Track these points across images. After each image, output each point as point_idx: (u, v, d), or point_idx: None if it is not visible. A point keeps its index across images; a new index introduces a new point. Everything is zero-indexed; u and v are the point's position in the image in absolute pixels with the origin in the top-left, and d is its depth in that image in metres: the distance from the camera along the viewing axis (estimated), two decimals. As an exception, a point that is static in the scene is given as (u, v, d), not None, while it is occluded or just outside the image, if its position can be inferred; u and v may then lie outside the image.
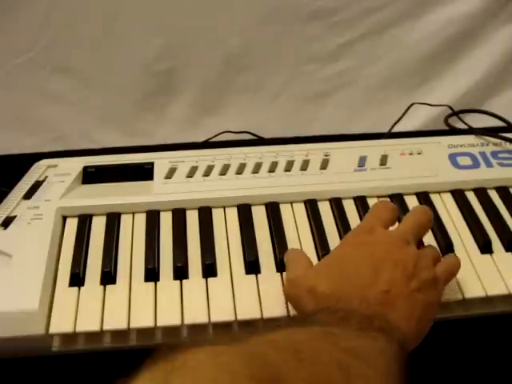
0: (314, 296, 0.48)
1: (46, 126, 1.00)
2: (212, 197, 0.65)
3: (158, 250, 0.60)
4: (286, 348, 0.36)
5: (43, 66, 0.97)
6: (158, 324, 0.52)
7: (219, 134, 0.92)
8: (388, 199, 0.66)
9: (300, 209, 0.65)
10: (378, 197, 0.66)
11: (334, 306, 0.45)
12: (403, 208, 0.64)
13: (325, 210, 0.64)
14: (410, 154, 0.71)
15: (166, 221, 0.63)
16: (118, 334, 0.53)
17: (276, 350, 0.36)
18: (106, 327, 0.52)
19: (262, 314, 0.53)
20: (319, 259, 0.59)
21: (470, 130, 0.77)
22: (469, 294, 0.55)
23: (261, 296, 0.54)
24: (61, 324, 0.52)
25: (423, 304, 0.48)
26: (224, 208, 0.65)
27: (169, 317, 0.52)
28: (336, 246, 0.55)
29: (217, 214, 0.64)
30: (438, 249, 0.56)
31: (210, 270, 0.57)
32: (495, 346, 0.58)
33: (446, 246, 0.60)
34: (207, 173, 0.68)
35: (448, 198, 0.66)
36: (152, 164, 0.69)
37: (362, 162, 0.69)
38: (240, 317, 0.53)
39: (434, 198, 0.66)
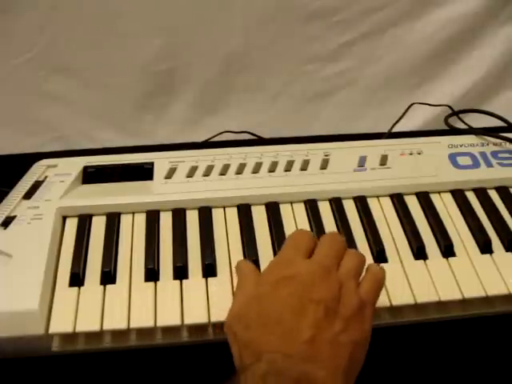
0: (237, 343, 0.45)
1: (46, 126, 1.00)
2: (212, 197, 0.65)
3: (157, 250, 0.59)
4: None
5: (43, 66, 0.97)
6: (158, 324, 0.52)
7: (219, 133, 0.92)
8: (389, 198, 0.66)
9: (300, 209, 0.65)
10: (378, 197, 0.66)
11: (259, 367, 0.42)
12: (403, 208, 0.64)
13: (325, 210, 0.64)
14: (410, 153, 0.71)
15: (166, 221, 0.63)
16: (118, 334, 0.53)
17: None
18: (106, 327, 0.52)
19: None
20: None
21: (470, 130, 0.77)
22: (469, 294, 0.55)
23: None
24: (61, 324, 0.52)
25: (351, 346, 0.44)
26: (224, 208, 0.65)
27: (169, 317, 0.52)
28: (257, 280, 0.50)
29: (217, 214, 0.64)
30: (359, 254, 0.52)
31: (209, 270, 0.57)
32: (495, 345, 0.58)
33: (446, 246, 0.59)
34: (207, 173, 0.68)
35: (448, 198, 0.66)
36: (152, 164, 0.69)
37: (361, 161, 0.69)
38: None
39: (434, 198, 0.66)
